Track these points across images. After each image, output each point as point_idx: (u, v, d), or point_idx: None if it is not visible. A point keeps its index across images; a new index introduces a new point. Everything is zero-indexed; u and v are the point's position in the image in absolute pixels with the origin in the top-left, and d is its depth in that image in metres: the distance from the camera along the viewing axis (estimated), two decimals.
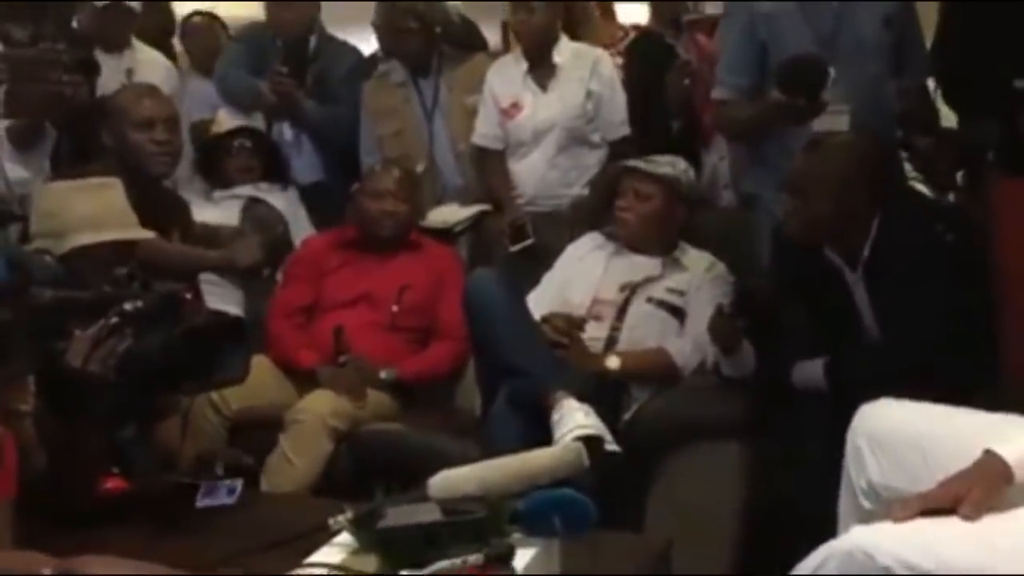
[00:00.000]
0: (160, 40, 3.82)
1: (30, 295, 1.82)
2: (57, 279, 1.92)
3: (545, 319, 2.61)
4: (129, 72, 3.25)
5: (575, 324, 2.62)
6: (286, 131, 3.53)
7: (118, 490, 1.99)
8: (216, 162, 3.27)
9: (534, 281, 2.86)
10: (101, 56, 3.16)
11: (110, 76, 3.08)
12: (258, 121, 3.49)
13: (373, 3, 3.59)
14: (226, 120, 3.37)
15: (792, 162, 2.35)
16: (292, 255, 3.12)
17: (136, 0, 3.37)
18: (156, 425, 2.26)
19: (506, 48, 4.21)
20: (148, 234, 2.18)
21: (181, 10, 4.26)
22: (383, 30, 3.54)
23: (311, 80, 3.51)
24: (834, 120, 2.37)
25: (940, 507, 1.44)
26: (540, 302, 2.73)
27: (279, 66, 3.40)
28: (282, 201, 3.32)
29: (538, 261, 3.01)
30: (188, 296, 1.94)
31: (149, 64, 3.44)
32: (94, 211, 2.10)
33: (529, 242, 3.12)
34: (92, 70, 2.84)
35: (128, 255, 2.06)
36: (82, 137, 2.74)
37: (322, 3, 3.61)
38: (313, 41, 3.54)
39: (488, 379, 2.55)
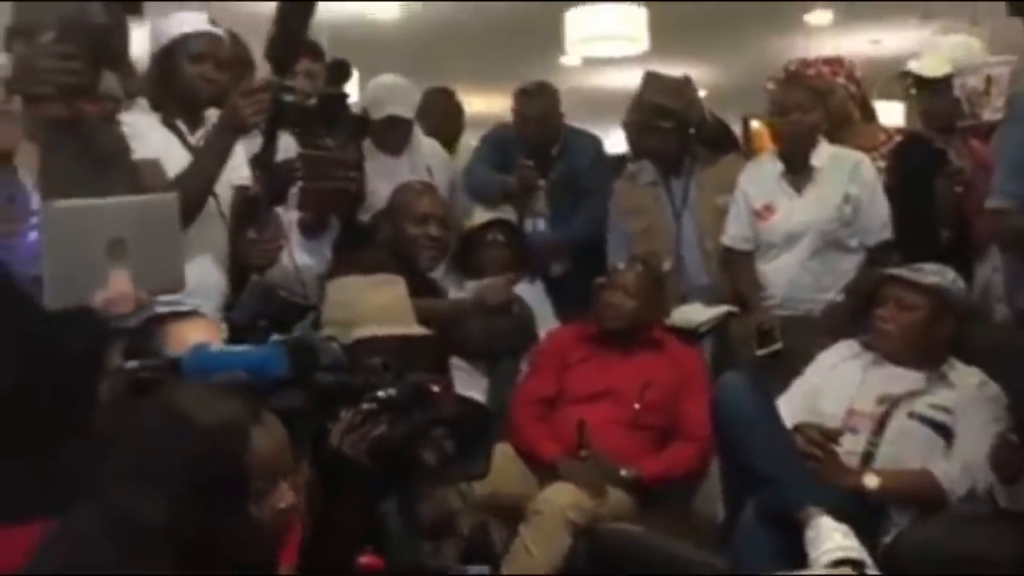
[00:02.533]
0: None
1: (315, 379, 1.95)
2: (339, 365, 2.05)
3: (797, 428, 2.52)
4: (428, 170, 3.47)
5: (829, 436, 2.51)
6: (538, 223, 3.65)
7: (372, 567, 2.06)
8: (470, 253, 3.41)
9: (781, 387, 2.77)
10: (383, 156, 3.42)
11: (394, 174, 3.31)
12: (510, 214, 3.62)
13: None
14: (480, 214, 3.52)
15: None
16: (537, 346, 3.18)
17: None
18: (417, 503, 2.35)
19: (747, 145, 4.18)
20: (423, 330, 2.31)
21: None
22: (635, 129, 3.61)
23: (556, 173, 3.62)
24: None
25: None
26: (789, 410, 2.63)
27: (524, 160, 3.53)
28: (529, 292, 3.40)
29: (786, 367, 2.92)
30: (437, 388, 2.02)
31: (434, 155, 3.65)
32: (380, 306, 2.25)
33: (777, 347, 3.04)
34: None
35: (404, 346, 2.18)
36: (355, 228, 2.95)
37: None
38: (557, 135, 3.66)
39: (735, 487, 2.48)
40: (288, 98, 2.28)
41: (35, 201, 2.02)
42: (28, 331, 1.97)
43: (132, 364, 1.71)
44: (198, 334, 1.78)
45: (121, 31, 2.52)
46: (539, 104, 3.67)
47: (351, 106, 2.86)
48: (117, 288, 1.98)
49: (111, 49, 2.24)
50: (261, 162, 2.37)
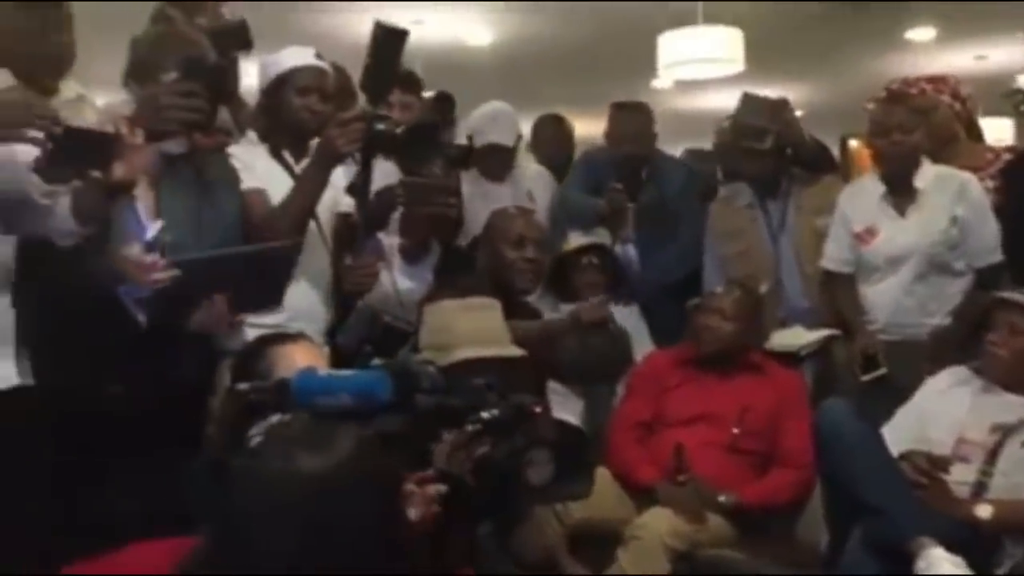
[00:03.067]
0: None
1: (415, 402, 1.99)
2: (438, 387, 2.08)
3: (905, 456, 2.45)
4: (529, 195, 3.51)
5: (938, 464, 2.44)
6: (628, 249, 3.64)
7: None
8: (565, 277, 3.42)
9: (885, 414, 2.70)
10: (486, 182, 3.48)
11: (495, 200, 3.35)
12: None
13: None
14: (575, 237, 3.53)
15: None
16: (634, 369, 3.17)
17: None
18: (513, 527, 2.37)
19: (845, 165, 4.11)
20: (519, 352, 2.33)
21: None
22: (730, 151, 3.58)
23: (645, 196, 3.61)
24: None
25: None
26: (896, 438, 2.56)
27: (614, 183, 3.53)
28: (625, 316, 3.39)
29: (890, 393, 2.84)
30: (538, 409, 2.03)
31: (539, 179, 3.68)
32: (477, 329, 2.28)
33: (881, 372, 2.96)
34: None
35: (501, 369, 2.20)
36: (454, 252, 3.00)
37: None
38: (649, 156, 3.66)
39: (839, 515, 2.43)
40: (381, 127, 2.33)
41: (149, 229, 2.12)
42: (136, 350, 2.07)
43: (243, 386, 1.77)
44: (304, 357, 1.83)
45: (234, 68, 2.62)
46: (634, 120, 3.68)
47: (450, 134, 2.91)
48: (215, 310, 2.06)
49: (226, 86, 2.34)
50: (357, 190, 2.42)
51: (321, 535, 1.25)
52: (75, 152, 1.82)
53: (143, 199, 2.16)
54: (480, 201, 3.32)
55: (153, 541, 1.53)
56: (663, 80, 6.91)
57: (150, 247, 2.04)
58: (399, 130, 2.37)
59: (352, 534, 1.28)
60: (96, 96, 2.64)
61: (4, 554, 1.77)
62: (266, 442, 1.44)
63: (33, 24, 2.27)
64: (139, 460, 2.04)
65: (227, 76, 2.41)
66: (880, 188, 3.10)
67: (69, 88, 2.51)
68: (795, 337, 3.18)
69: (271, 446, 1.42)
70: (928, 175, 3.06)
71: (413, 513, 1.68)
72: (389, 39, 2.30)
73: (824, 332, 3.16)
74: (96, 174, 1.86)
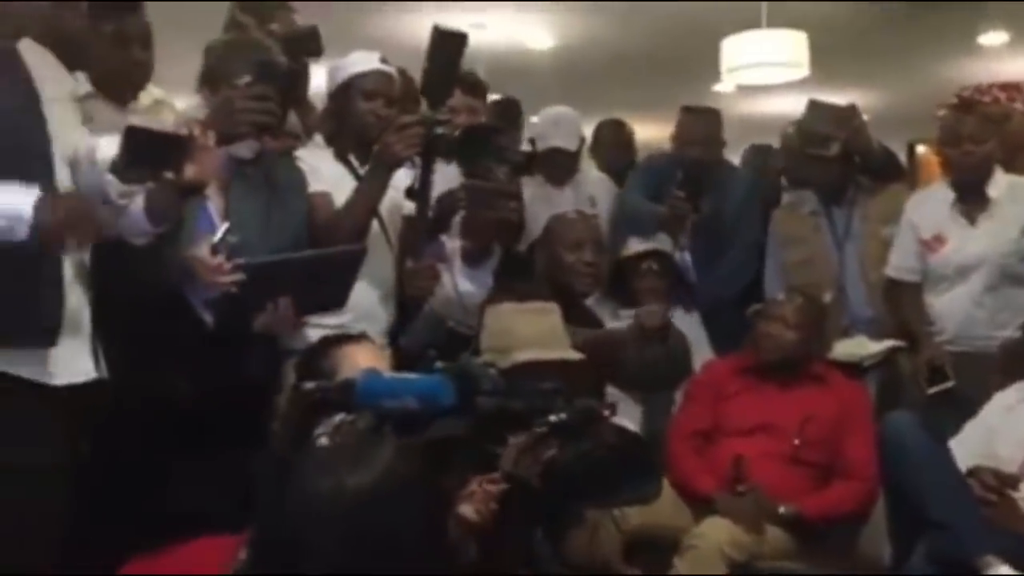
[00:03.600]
0: None
1: (476, 404, 2.00)
2: (498, 390, 2.09)
3: (972, 472, 2.40)
4: (591, 200, 3.52)
5: (1007, 481, 2.38)
6: (685, 256, 3.62)
7: None
8: (624, 282, 3.40)
9: (952, 428, 2.64)
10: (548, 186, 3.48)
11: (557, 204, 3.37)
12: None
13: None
14: (636, 243, 3.51)
15: None
16: (693, 377, 3.15)
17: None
18: (565, 532, 2.37)
19: (912, 171, 4.04)
20: (578, 355, 2.33)
21: None
22: (795, 157, 3.53)
23: (707, 206, 3.57)
24: None
25: None
26: (962, 452, 2.51)
27: (677, 190, 3.51)
28: (685, 323, 3.37)
29: (957, 406, 2.79)
30: (607, 413, 2.03)
31: (600, 184, 3.69)
32: (537, 332, 2.28)
33: (948, 385, 2.90)
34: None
35: (561, 372, 2.20)
36: (514, 256, 3.01)
37: None
38: (714, 163, 3.63)
39: (903, 529, 2.39)
40: (439, 131, 2.34)
41: (220, 229, 2.16)
42: (201, 350, 2.11)
43: (309, 385, 1.79)
44: (367, 358, 1.86)
45: (304, 73, 2.66)
46: (703, 125, 3.65)
47: (515, 139, 2.91)
48: (280, 313, 2.10)
49: (296, 90, 2.37)
50: (416, 194, 2.44)
51: (363, 544, 1.28)
52: (147, 153, 1.86)
53: (213, 201, 2.20)
54: (542, 205, 3.32)
55: (216, 537, 1.56)
56: (726, 84, 6.85)
57: (216, 248, 2.08)
58: (455, 134, 2.38)
59: (393, 542, 1.30)
60: (176, 100, 2.72)
61: (75, 545, 1.81)
62: (314, 453, 1.48)
63: (116, 40, 2.35)
64: (204, 457, 2.08)
65: (298, 80, 2.45)
66: (950, 196, 3.05)
67: (147, 94, 2.58)
68: (859, 347, 3.13)
69: (318, 458, 1.46)
70: (1001, 184, 3.00)
71: (471, 511, 1.68)
72: (448, 43, 2.32)
73: (889, 343, 3.11)
74: (168, 175, 1.91)
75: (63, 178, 1.84)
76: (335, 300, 2.24)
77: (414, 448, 1.42)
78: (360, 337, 2.04)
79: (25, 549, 1.70)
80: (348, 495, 1.31)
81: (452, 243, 2.76)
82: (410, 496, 1.34)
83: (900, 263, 3.11)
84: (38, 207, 1.66)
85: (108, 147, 1.91)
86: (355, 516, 1.31)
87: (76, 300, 1.85)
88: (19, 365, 1.71)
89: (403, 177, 2.57)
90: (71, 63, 2.31)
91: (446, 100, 2.45)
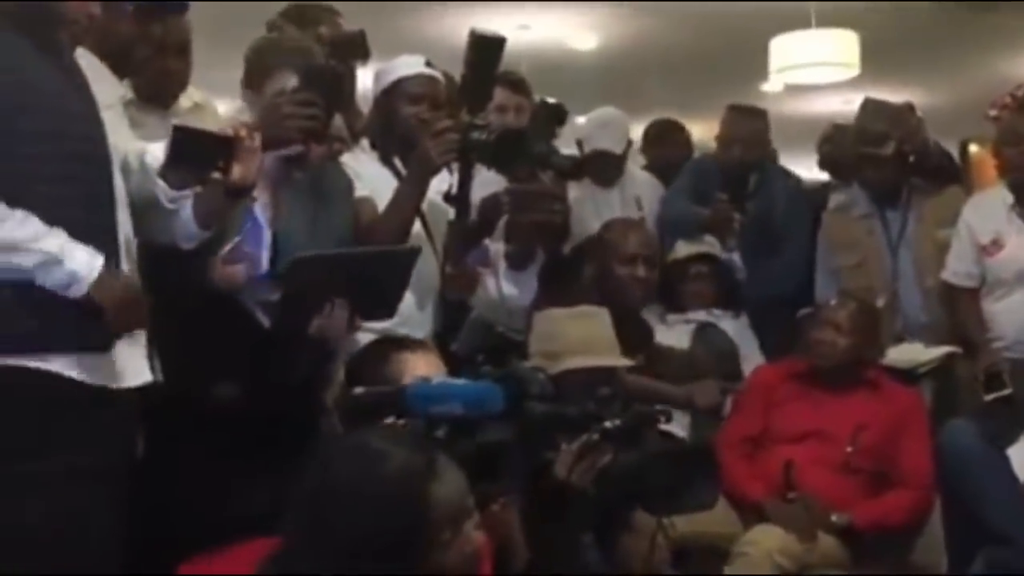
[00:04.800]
0: None
1: (524, 409, 1.98)
2: (547, 395, 2.07)
3: None
4: (637, 201, 3.50)
5: None
6: (735, 257, 3.57)
7: None
8: (672, 286, 3.36)
9: (1010, 436, 2.58)
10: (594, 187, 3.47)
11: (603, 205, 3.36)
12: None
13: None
14: (683, 246, 3.47)
15: None
16: (743, 383, 3.10)
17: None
18: (615, 538, 2.34)
19: (965, 171, 3.95)
20: (628, 362, 2.30)
21: None
22: (841, 157, 3.47)
23: (753, 208, 3.52)
24: None
25: None
26: (1021, 461, 2.45)
27: (721, 193, 3.46)
28: (733, 327, 3.32)
29: (1015, 414, 2.71)
30: (665, 419, 2.00)
31: (647, 186, 3.66)
32: (585, 338, 2.26)
33: (1006, 392, 2.82)
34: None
35: (609, 378, 2.18)
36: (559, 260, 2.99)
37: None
38: (759, 164, 3.58)
39: (961, 540, 2.33)
40: (477, 136, 2.32)
41: (267, 233, 2.16)
42: (256, 352, 2.11)
43: (360, 390, 1.79)
44: (422, 365, 1.85)
45: (350, 77, 2.65)
46: (749, 124, 3.60)
47: (547, 143, 2.88)
48: (337, 315, 2.08)
49: (342, 94, 2.36)
50: (454, 198, 2.43)
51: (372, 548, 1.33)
52: (194, 153, 1.86)
53: (262, 205, 2.20)
54: (589, 206, 3.30)
55: (270, 538, 1.56)
56: (773, 84, 6.76)
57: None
58: (491, 138, 2.37)
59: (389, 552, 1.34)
60: (217, 104, 2.73)
61: (132, 547, 1.82)
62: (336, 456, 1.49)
63: (158, 46, 2.37)
64: (256, 458, 2.08)
65: (344, 84, 2.44)
66: (1008, 198, 2.97)
67: (187, 97, 2.60)
68: (914, 353, 3.07)
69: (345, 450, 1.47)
70: None
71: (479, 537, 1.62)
72: (486, 47, 2.30)
73: (945, 349, 3.05)
74: (215, 175, 1.91)
75: (119, 185, 1.85)
76: (388, 302, 2.21)
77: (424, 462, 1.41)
78: (416, 343, 2.03)
79: (89, 551, 1.71)
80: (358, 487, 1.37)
81: (496, 246, 2.74)
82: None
83: (957, 268, 3.04)
84: (96, 285, 1.70)
85: (158, 152, 1.92)
86: (361, 519, 1.35)
87: None
88: (78, 369, 1.72)
89: (447, 182, 2.56)
90: (119, 70, 2.34)
91: (485, 105, 2.43)
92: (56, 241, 1.68)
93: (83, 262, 1.70)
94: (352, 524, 1.38)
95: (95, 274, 1.70)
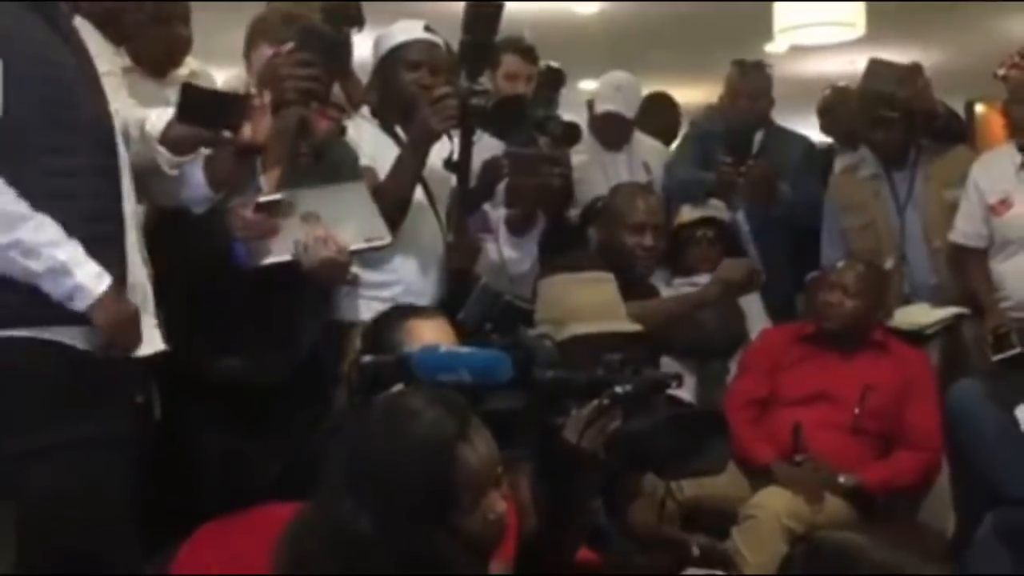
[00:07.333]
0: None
1: (533, 377, 1.97)
2: (554, 362, 2.07)
3: None
4: (645, 166, 3.48)
5: None
6: (742, 222, 3.55)
7: (591, 562, 2.07)
8: (679, 250, 3.35)
9: (1017, 396, 2.57)
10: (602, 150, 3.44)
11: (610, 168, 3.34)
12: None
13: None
14: (689, 210, 3.45)
15: None
16: (749, 346, 3.10)
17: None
18: (626, 505, 2.35)
19: (971, 130, 3.91)
20: (635, 327, 2.29)
21: None
22: (854, 118, 3.43)
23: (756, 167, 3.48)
24: None
25: None
26: None
27: (724, 156, 3.43)
28: None
29: (1023, 374, 2.71)
30: (676, 384, 1.99)
31: (654, 152, 3.65)
32: (591, 303, 2.25)
33: (1015, 352, 2.81)
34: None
35: (618, 343, 2.17)
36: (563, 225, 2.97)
37: None
38: (760, 132, 3.55)
39: (969, 502, 2.33)
40: (476, 102, 2.30)
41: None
42: (256, 321, 2.10)
43: (367, 358, 1.79)
44: (433, 333, 1.84)
45: (347, 43, 2.63)
46: (753, 80, 3.60)
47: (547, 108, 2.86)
48: (314, 233, 2.06)
49: (340, 59, 2.34)
50: (455, 165, 2.41)
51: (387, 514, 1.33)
52: (203, 112, 1.85)
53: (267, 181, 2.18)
54: (596, 170, 3.28)
55: (284, 503, 1.57)
56: (778, 45, 6.69)
57: (262, 207, 2.04)
58: (489, 105, 2.35)
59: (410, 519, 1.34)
60: (213, 72, 2.70)
61: (141, 513, 1.83)
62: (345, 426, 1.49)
63: (156, 16, 2.35)
64: (268, 426, 2.08)
65: (341, 51, 2.42)
66: (1017, 158, 2.94)
67: (184, 65, 2.58)
68: (921, 315, 3.06)
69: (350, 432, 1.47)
70: None
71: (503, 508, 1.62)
72: (483, 13, 2.28)
73: (952, 310, 3.03)
74: (225, 134, 1.89)
75: (122, 154, 1.84)
76: (371, 229, 2.17)
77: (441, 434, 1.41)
78: (428, 311, 2.03)
79: (105, 519, 1.73)
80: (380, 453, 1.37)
81: (497, 212, 2.72)
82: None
83: (965, 228, 3.01)
84: (95, 306, 1.70)
85: (158, 119, 1.91)
86: (380, 484, 1.36)
87: (139, 274, 1.86)
88: (87, 339, 1.72)
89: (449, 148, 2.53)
90: (116, 38, 2.32)
91: (483, 71, 2.42)
92: (69, 251, 1.68)
93: (91, 277, 1.70)
94: (380, 481, 1.38)
95: (99, 292, 1.70)
